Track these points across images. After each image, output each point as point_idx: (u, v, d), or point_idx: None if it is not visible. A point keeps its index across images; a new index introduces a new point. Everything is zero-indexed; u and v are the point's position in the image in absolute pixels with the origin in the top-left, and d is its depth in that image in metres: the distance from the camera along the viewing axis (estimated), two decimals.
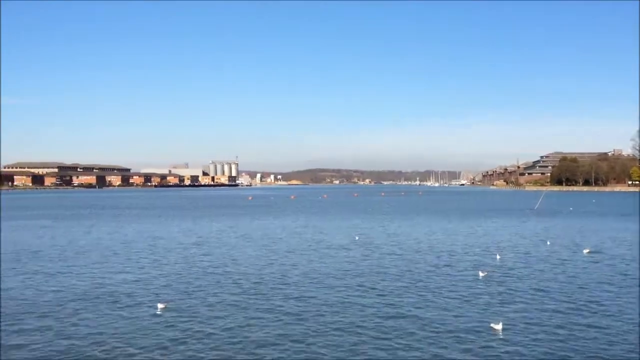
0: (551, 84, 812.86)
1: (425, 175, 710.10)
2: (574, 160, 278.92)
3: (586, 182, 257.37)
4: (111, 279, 27.68)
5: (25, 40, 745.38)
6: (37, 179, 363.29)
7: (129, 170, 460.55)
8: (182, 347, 16.64)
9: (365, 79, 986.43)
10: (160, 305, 21.40)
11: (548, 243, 41.34)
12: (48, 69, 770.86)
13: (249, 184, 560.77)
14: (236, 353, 16.12)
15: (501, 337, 17.56)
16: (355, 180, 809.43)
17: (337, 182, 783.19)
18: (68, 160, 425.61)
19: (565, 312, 20.50)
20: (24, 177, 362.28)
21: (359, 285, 25.60)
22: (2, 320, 19.64)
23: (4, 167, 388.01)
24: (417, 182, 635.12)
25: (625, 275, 28.27)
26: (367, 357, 15.80)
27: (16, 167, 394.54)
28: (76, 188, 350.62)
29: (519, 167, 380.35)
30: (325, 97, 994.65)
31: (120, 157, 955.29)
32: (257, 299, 22.92)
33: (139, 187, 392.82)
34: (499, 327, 18.24)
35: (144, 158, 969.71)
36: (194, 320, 19.64)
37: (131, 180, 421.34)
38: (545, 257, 34.58)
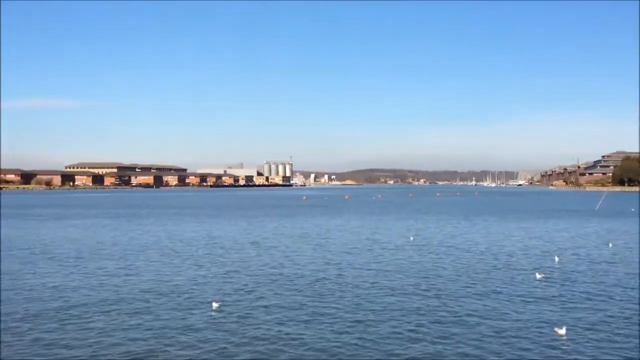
0: (613, 83, 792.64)
1: (481, 175, 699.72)
2: (637, 159, 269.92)
3: None
4: (168, 277, 28.13)
5: (86, 43, 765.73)
6: (97, 179, 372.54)
7: (185, 170, 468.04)
8: (232, 346, 16.70)
9: (421, 78, 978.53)
10: (215, 304, 21.57)
11: (610, 245, 40.18)
12: (109, 71, 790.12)
13: (302, 184, 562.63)
14: (288, 354, 16.07)
15: (565, 342, 17.08)
16: (410, 180, 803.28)
17: (391, 182, 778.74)
18: (127, 161, 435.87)
19: (631, 318, 19.82)
20: (85, 177, 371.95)
21: (415, 287, 25.34)
22: (70, 318, 20.08)
23: (66, 167, 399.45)
24: (473, 183, 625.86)
25: None
26: (425, 358, 15.55)
27: (77, 167, 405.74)
28: (134, 188, 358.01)
29: (579, 167, 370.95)
30: (379, 96, 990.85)
31: (177, 158, 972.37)
32: (312, 299, 22.89)
33: (195, 187, 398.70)
34: (562, 331, 17.75)
35: (200, 158, 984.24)
36: (247, 319, 19.73)
37: (187, 180, 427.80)
38: (608, 260, 33.59)
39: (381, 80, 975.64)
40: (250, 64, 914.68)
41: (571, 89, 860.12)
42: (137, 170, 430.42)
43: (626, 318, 19.79)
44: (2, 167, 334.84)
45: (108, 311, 20.89)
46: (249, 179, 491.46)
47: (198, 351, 16.32)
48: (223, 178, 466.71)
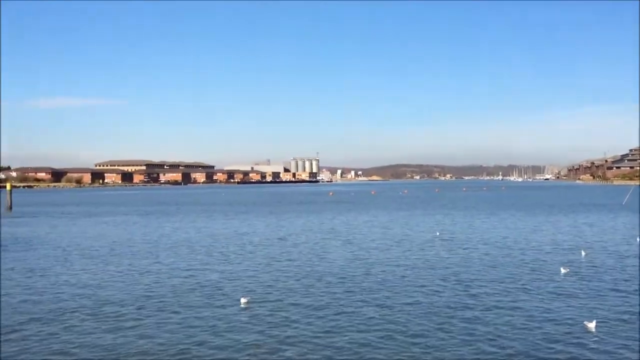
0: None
1: (508, 169, 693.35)
2: None
3: None
4: (198, 273, 28.62)
5: (116, 43, 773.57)
6: (127, 177, 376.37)
7: (212, 167, 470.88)
8: (260, 343, 16.91)
9: (448, 73, 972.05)
10: (243, 300, 21.87)
11: (638, 240, 39.96)
12: (138, 70, 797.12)
13: (329, 180, 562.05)
14: (316, 351, 16.24)
15: (595, 336, 17.16)
16: (436, 175, 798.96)
17: (417, 177, 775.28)
18: (156, 158, 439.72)
19: None
20: (114, 174, 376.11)
21: (443, 282, 25.48)
22: (103, 315, 20.73)
23: (96, 165, 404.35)
24: (500, 177, 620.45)
25: None
26: (454, 356, 15.76)
27: (107, 165, 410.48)
28: (163, 185, 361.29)
29: (606, 160, 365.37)
30: (405, 91, 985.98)
31: (204, 155, 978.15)
32: (341, 295, 23.11)
33: (222, 183, 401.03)
34: (592, 325, 17.81)
35: (227, 155, 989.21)
36: (275, 315, 19.95)
37: (215, 177, 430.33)
38: (635, 254, 33.38)
39: (408, 75, 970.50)
40: (275, 62, 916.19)
41: (598, 82, 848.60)
42: (165, 167, 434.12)
43: None
44: (33, 166, 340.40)
45: (138, 308, 21.35)
46: (275, 175, 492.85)
47: (225, 348, 16.54)
48: (250, 174, 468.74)
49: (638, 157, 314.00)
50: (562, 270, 27.56)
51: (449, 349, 16.26)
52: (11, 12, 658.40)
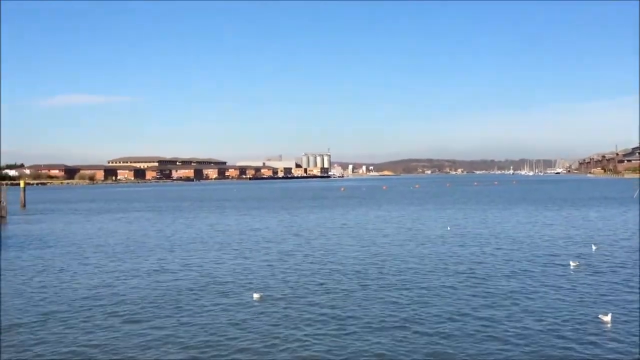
0: None
1: (519, 164, 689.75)
2: None
3: None
4: (211, 269, 28.92)
5: (127, 40, 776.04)
6: (139, 173, 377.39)
7: (224, 163, 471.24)
8: (271, 338, 17.07)
9: (458, 67, 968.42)
10: (255, 295, 22.02)
11: None
12: (149, 67, 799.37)
13: (341, 175, 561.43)
14: (329, 347, 16.30)
15: (611, 328, 17.27)
16: (448, 170, 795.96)
17: (428, 172, 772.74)
18: (168, 155, 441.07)
19: None
20: (127, 171, 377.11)
21: (456, 276, 25.63)
22: (117, 312, 21.04)
23: (109, 162, 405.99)
24: (511, 171, 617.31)
25: None
26: (471, 352, 15.88)
27: (120, 162, 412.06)
28: (175, 181, 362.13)
29: (617, 154, 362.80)
30: (416, 86, 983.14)
31: (216, 151, 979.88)
32: (354, 291, 23.27)
33: (234, 179, 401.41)
34: (607, 318, 17.89)
35: (239, 151, 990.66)
36: (288, 310, 20.09)
37: (227, 173, 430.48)
38: None
39: (419, 70, 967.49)
40: (287, 57, 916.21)
41: (608, 75, 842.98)
42: (177, 164, 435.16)
43: None
44: (46, 163, 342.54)
45: (151, 303, 21.63)
46: (287, 170, 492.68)
47: (237, 342, 16.71)
48: (262, 170, 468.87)
49: None
50: (572, 264, 27.65)
51: (462, 344, 16.38)
52: (20, 11, 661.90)
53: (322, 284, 24.68)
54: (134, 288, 24.49)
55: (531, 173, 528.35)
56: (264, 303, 21.25)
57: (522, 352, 15.55)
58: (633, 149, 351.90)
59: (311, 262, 30.42)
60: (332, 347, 16.25)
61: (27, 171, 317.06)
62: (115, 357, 15.72)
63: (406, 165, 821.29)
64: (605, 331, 17.09)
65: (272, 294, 22.75)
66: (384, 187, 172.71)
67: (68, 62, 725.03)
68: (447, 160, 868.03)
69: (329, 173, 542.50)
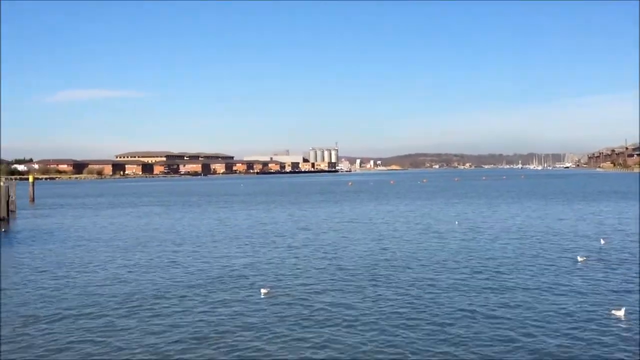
0: None
1: (527, 158, 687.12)
2: None
3: None
4: (220, 263, 28.96)
5: (134, 36, 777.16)
6: (147, 168, 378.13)
7: (232, 158, 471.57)
8: (277, 334, 17.02)
9: (465, 60, 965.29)
10: (263, 291, 21.98)
11: None
12: (156, 62, 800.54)
13: (348, 169, 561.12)
14: (335, 343, 16.22)
15: (625, 323, 17.18)
16: (456, 164, 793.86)
17: (436, 166, 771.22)
18: (175, 150, 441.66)
19: None
20: (135, 165, 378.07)
21: (466, 271, 25.57)
22: (126, 306, 21.08)
23: (116, 157, 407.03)
24: (519, 166, 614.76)
25: None
26: (482, 347, 15.80)
27: (127, 157, 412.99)
28: (183, 176, 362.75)
29: (627, 148, 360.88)
30: (423, 80, 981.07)
31: (224, 146, 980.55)
32: (363, 286, 23.21)
33: (242, 174, 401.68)
34: (621, 313, 17.77)
35: (247, 146, 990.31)
36: (295, 306, 20.03)
37: (234, 168, 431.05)
38: None
39: (424, 63, 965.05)
40: (295, 53, 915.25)
41: (617, 69, 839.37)
42: (185, 158, 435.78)
43: None
44: (55, 158, 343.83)
45: (160, 298, 21.71)
46: (295, 165, 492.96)
47: (241, 338, 16.69)
48: (269, 165, 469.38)
49: None
50: (579, 259, 27.53)
51: (474, 342, 16.30)
52: (25, 5, 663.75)
53: (331, 279, 24.63)
54: (143, 282, 24.52)
55: (540, 167, 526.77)
56: (272, 298, 21.22)
57: (534, 347, 15.46)
58: None
59: (320, 257, 30.38)
60: (340, 344, 16.15)
61: (36, 166, 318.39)
62: (123, 349, 15.75)
63: (414, 160, 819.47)
64: (620, 326, 16.97)
65: (280, 289, 22.72)
66: (392, 182, 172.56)
67: (76, 57, 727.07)
68: (455, 155, 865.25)
69: (337, 168, 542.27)
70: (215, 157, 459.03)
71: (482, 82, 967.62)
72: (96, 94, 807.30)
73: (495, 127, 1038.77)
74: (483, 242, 34.80)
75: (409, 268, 26.67)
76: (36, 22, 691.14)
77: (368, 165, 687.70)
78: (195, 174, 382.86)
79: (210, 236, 40.45)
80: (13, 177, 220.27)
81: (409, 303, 20.12)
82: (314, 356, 15.21)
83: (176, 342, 16.44)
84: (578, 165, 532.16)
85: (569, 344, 15.58)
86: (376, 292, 21.92)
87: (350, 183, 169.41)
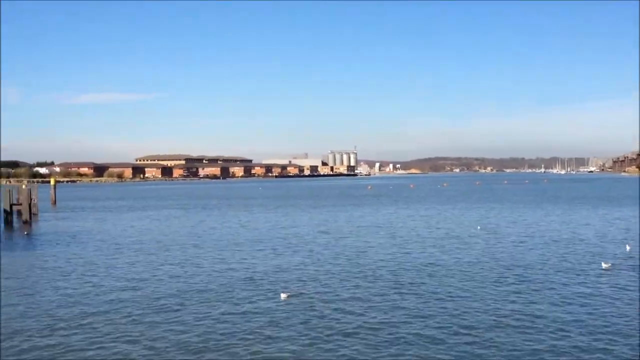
0: None
1: (550, 162, 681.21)
2: None
3: None
4: (240, 267, 28.83)
5: (155, 38, 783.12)
6: (166, 171, 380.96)
7: (250, 161, 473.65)
8: (294, 339, 16.82)
9: (487, 63, 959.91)
10: (283, 295, 21.82)
11: None
12: (175, 65, 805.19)
13: (367, 173, 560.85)
14: (352, 349, 15.97)
15: None
16: (476, 168, 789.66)
17: (457, 170, 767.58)
18: (194, 153, 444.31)
19: None
20: (154, 169, 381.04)
21: (488, 277, 25.19)
22: (149, 308, 20.92)
23: (136, 160, 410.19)
24: (542, 170, 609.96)
25: None
26: (508, 352, 15.50)
27: (147, 160, 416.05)
28: (202, 179, 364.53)
29: None
30: (443, 83, 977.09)
31: (242, 149, 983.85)
32: (383, 290, 22.93)
33: (260, 177, 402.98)
34: None
35: (265, 149, 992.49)
36: (313, 311, 19.80)
37: (253, 171, 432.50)
38: None
39: (446, 66, 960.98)
40: (313, 55, 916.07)
41: None
42: (204, 161, 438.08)
43: None
44: (76, 161, 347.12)
45: (181, 300, 21.64)
46: (313, 169, 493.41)
47: (260, 343, 16.56)
48: (288, 168, 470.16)
49: None
50: (605, 265, 26.98)
51: (501, 351, 15.96)
52: (46, 8, 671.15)
53: (351, 284, 24.35)
54: (165, 285, 24.46)
55: (563, 171, 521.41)
56: (291, 303, 21.01)
57: (562, 352, 15.11)
58: None
59: (340, 262, 30.11)
60: (359, 350, 15.89)
61: (57, 169, 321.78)
62: (149, 350, 15.66)
63: (434, 164, 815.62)
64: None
65: (299, 293, 22.51)
66: (412, 186, 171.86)
67: (97, 59, 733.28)
68: (476, 159, 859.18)
69: (356, 171, 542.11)
70: (234, 161, 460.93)
71: (503, 85, 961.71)
72: (116, 97, 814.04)
73: (517, 130, 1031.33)
74: (506, 248, 34.31)
75: (431, 274, 26.33)
76: (57, 25, 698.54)
77: (387, 169, 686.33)
78: (214, 177, 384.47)
79: (231, 240, 40.32)
80: (35, 180, 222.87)
81: (432, 309, 19.82)
82: None
83: (195, 344, 16.32)
84: (602, 169, 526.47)
85: (596, 352, 15.20)
86: (398, 297, 21.61)
87: (369, 187, 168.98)
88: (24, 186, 60.05)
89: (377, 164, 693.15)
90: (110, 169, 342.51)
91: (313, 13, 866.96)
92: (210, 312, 19.89)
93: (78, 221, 58.19)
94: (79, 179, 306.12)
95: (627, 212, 59.47)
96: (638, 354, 15.12)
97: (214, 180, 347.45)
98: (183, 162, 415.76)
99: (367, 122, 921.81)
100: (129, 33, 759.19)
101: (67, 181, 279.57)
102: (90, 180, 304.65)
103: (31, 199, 56.97)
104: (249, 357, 15.40)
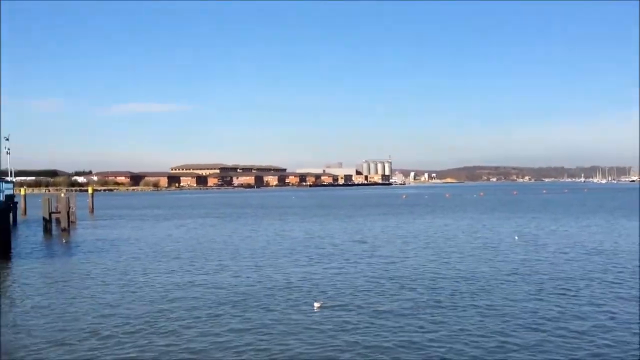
0: None
1: (590, 171, 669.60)
2: None
3: None
4: (275, 275, 28.67)
5: (190, 50, 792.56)
6: (201, 180, 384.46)
7: (284, 170, 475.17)
8: (326, 350, 16.56)
9: (526, 70, 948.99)
10: (316, 304, 21.57)
11: None
12: (210, 76, 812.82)
13: (402, 182, 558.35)
14: None
15: None
16: (514, 177, 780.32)
17: (494, 179, 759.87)
18: (229, 162, 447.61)
19: None
20: (189, 178, 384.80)
21: (527, 288, 24.61)
22: (191, 317, 20.81)
23: (172, 169, 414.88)
24: (582, 179, 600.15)
25: None
26: None
27: (182, 169, 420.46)
28: (236, 188, 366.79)
29: None
30: (479, 90, 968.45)
31: (276, 158, 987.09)
32: (419, 302, 22.48)
33: (294, 186, 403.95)
34: None
35: (299, 158, 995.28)
36: (346, 322, 19.44)
37: (287, 180, 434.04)
38: None
39: (484, 75, 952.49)
40: (348, 64, 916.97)
41: None
42: (238, 170, 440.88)
43: None
44: (113, 170, 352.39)
45: (215, 308, 21.51)
46: (347, 178, 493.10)
47: (290, 351, 16.40)
48: (322, 177, 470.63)
49: None
50: None
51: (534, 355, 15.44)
52: (85, 20, 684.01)
53: (387, 295, 23.91)
54: (202, 292, 24.38)
55: (604, 181, 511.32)
56: (324, 312, 20.75)
57: None
58: None
59: (376, 271, 29.70)
60: None
61: (95, 178, 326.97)
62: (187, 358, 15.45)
63: (470, 173, 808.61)
64: None
65: (333, 303, 22.20)
66: (447, 195, 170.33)
67: (135, 71, 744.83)
68: (514, 168, 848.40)
69: (390, 180, 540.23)
70: (268, 170, 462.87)
71: (542, 93, 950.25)
72: (153, 108, 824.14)
73: (556, 138, 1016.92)
74: (546, 258, 33.56)
75: (469, 285, 25.79)
76: (98, 38, 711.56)
77: (422, 178, 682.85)
78: (248, 186, 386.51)
79: (266, 248, 40.21)
80: (73, 188, 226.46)
81: (472, 323, 19.29)
82: None
83: (220, 353, 16.23)
84: None
85: None
86: (435, 310, 21.04)
87: (404, 196, 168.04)
88: (62, 195, 60.88)
89: (412, 173, 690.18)
90: (146, 178, 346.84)
91: (345, 24, 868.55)
92: (239, 319, 19.84)
93: (115, 229, 58.74)
94: (116, 187, 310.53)
95: None
96: None
97: (248, 189, 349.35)
98: (217, 171, 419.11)
99: (402, 131, 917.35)
100: (166, 44, 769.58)
101: (105, 190, 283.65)
102: (127, 189, 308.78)
103: (69, 207, 57.67)
104: None
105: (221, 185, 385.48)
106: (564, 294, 23.31)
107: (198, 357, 16.06)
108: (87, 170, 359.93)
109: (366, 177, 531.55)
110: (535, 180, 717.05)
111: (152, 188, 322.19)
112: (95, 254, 38.47)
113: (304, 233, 51.79)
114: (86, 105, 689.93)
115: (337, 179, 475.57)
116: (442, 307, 21.27)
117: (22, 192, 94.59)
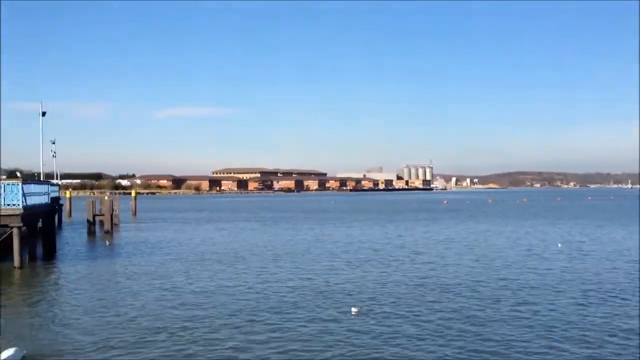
0: None
1: (637, 177, 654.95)
2: None
3: None
4: (314, 279, 28.63)
5: (235, 52, 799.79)
6: (242, 184, 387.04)
7: (325, 174, 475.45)
8: (359, 354, 16.42)
9: (571, 73, 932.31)
10: (354, 309, 21.40)
11: None
12: (252, 79, 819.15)
13: (443, 187, 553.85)
14: None
15: None
16: (558, 183, 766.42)
17: (537, 185, 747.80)
18: (269, 166, 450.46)
19: None
20: (230, 182, 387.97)
21: (571, 297, 24.05)
22: (232, 321, 20.86)
23: (213, 173, 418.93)
24: (629, 186, 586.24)
25: None
26: None
27: (223, 173, 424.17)
28: (276, 192, 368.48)
29: None
30: (522, 94, 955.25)
31: (317, 162, 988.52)
32: (459, 308, 22.10)
33: (335, 191, 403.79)
34: None
35: (340, 162, 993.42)
36: (384, 327, 19.21)
37: (327, 185, 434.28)
38: None
39: (526, 76, 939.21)
40: (388, 66, 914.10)
41: None
42: (279, 175, 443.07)
43: None
44: (156, 173, 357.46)
45: (254, 312, 21.48)
46: (388, 182, 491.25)
47: (327, 355, 16.32)
48: (362, 182, 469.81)
49: None
50: None
51: None
52: (134, 27, 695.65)
53: (427, 301, 23.61)
54: (243, 296, 24.43)
55: None
56: (362, 317, 20.56)
57: None
58: None
59: (416, 277, 29.39)
60: None
61: (138, 181, 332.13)
62: None
63: (513, 178, 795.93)
64: None
65: (372, 308, 22.01)
66: (490, 201, 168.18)
67: (178, 75, 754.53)
68: (558, 173, 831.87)
69: (431, 185, 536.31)
70: (308, 174, 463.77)
71: (588, 96, 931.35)
72: (195, 112, 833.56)
73: (602, 143, 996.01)
74: (591, 266, 32.78)
75: (512, 293, 25.34)
76: (139, 40, 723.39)
77: (464, 184, 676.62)
78: (289, 190, 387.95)
79: (307, 252, 40.19)
80: (117, 191, 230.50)
81: (517, 332, 18.87)
82: None
83: (254, 356, 16.23)
84: None
85: None
86: (477, 320, 20.52)
87: (445, 201, 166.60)
88: (106, 197, 61.97)
89: (454, 179, 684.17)
90: (188, 182, 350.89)
91: (385, 25, 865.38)
92: (277, 322, 19.91)
93: (157, 232, 59.46)
94: (158, 190, 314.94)
95: None
96: None
97: (288, 193, 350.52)
98: (258, 175, 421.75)
99: (444, 135, 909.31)
100: (207, 49, 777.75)
101: (147, 193, 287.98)
102: (169, 192, 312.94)
103: (113, 210, 58.59)
104: None
105: (262, 189, 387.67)
106: (611, 303, 22.71)
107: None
108: (130, 173, 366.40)
109: (407, 182, 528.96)
110: (580, 186, 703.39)
111: (193, 191, 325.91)
112: (138, 256, 38.95)
113: (345, 237, 51.64)
114: (131, 109, 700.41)
115: (377, 184, 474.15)
116: (484, 318, 20.75)
117: (68, 195, 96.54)
